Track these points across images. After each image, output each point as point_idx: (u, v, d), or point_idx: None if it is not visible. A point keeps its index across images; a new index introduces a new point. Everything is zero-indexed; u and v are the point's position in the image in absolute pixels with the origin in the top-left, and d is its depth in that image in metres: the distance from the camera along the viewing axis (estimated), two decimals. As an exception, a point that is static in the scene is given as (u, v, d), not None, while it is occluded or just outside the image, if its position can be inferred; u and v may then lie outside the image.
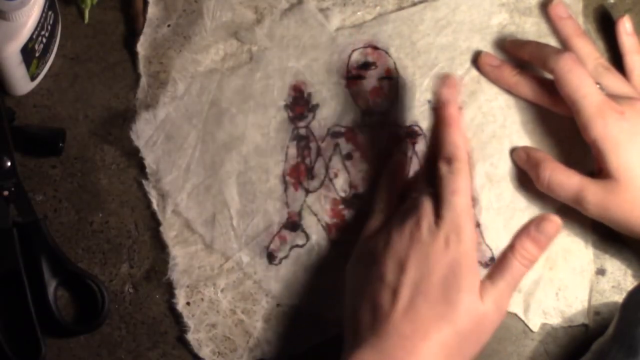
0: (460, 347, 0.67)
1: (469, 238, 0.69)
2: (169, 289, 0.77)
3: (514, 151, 0.80)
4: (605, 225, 0.77)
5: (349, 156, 0.80)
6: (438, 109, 0.73)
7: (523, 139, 0.81)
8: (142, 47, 0.82)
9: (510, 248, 0.70)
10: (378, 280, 0.69)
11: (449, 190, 0.70)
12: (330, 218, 0.79)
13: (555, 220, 0.70)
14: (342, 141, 0.80)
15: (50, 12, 0.77)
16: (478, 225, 0.79)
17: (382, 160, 0.80)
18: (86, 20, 0.82)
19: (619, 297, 0.78)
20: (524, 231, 0.70)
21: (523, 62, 0.81)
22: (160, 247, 0.78)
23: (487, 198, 0.80)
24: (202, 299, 0.77)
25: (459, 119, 0.73)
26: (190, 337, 0.77)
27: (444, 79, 0.74)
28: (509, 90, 0.81)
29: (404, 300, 0.67)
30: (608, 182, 0.74)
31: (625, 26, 0.82)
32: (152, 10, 0.82)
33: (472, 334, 0.68)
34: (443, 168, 0.71)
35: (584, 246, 0.80)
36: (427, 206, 0.70)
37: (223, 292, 0.77)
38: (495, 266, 0.70)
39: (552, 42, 0.82)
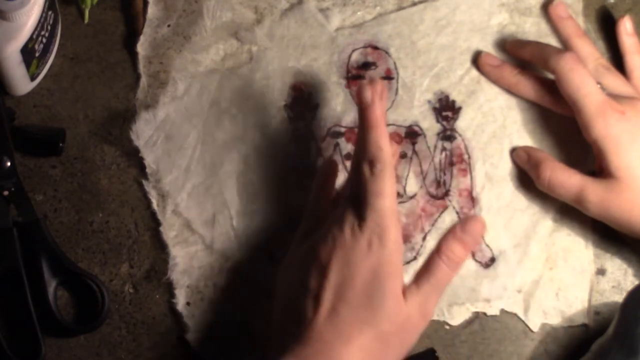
0: (383, 351, 0.66)
1: (393, 241, 0.67)
2: (169, 289, 0.77)
3: (514, 151, 0.80)
4: (606, 225, 0.77)
5: (348, 156, 0.80)
6: (361, 111, 0.71)
7: (523, 139, 0.81)
8: (142, 47, 0.82)
9: (437, 251, 0.69)
10: (301, 287, 0.68)
11: (372, 193, 0.68)
12: (330, 218, 0.79)
13: (480, 220, 0.70)
14: (342, 141, 0.80)
15: (50, 12, 0.77)
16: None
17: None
18: (86, 20, 0.82)
19: (619, 297, 0.78)
20: (449, 233, 0.69)
21: (523, 62, 0.81)
22: (160, 247, 0.78)
23: (487, 198, 0.80)
24: (202, 299, 0.77)
25: (383, 121, 0.70)
26: (190, 337, 0.77)
27: (369, 82, 0.72)
28: (509, 90, 0.81)
29: (325, 305, 0.66)
30: (609, 182, 0.74)
31: (625, 26, 0.82)
32: (152, 10, 0.82)
33: (395, 338, 0.67)
34: (366, 171, 0.69)
35: (584, 246, 0.80)
36: (350, 210, 0.69)
37: (223, 292, 0.77)
38: (422, 269, 0.69)
39: (553, 42, 0.82)
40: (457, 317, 0.78)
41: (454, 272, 0.69)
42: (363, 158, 0.69)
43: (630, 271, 0.80)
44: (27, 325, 0.74)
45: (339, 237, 0.68)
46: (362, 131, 0.70)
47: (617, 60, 0.82)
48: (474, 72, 0.82)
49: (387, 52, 0.82)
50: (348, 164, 0.80)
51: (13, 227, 0.76)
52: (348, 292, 0.66)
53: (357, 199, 0.68)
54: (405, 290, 0.67)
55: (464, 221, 0.70)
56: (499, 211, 0.79)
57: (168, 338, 0.77)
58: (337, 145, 0.80)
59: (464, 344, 0.78)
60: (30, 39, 0.75)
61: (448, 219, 0.79)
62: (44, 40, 0.78)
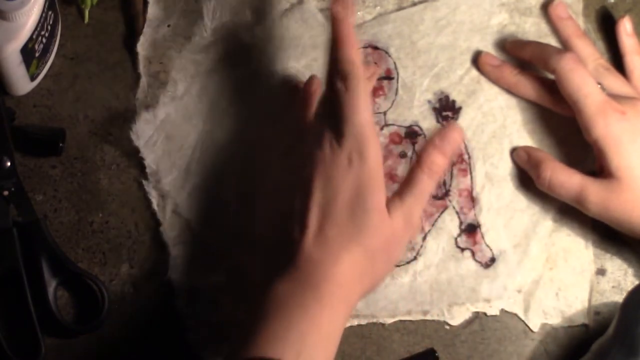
0: (371, 266, 0.67)
1: (373, 154, 0.67)
2: (169, 289, 0.77)
3: (514, 151, 0.80)
4: (606, 225, 0.77)
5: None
6: (334, 26, 0.70)
7: (523, 139, 0.81)
8: (142, 47, 0.82)
9: (418, 162, 0.69)
10: (286, 210, 0.68)
11: (348, 107, 0.67)
12: (330, 218, 0.79)
13: (458, 128, 0.70)
14: (342, 141, 0.80)
15: (50, 12, 0.77)
16: (478, 225, 0.79)
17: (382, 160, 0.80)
18: (86, 20, 0.82)
19: (619, 297, 0.78)
20: (429, 143, 0.69)
21: (523, 62, 0.81)
22: (160, 247, 0.78)
23: (487, 198, 0.80)
24: (202, 299, 0.77)
25: (353, 37, 0.69)
26: (190, 337, 0.76)
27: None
28: (509, 90, 0.81)
29: (312, 226, 0.66)
30: (609, 182, 0.74)
31: (625, 27, 0.82)
32: (152, 10, 0.82)
33: (383, 252, 0.67)
34: (340, 86, 0.68)
35: (584, 246, 0.80)
36: (327, 127, 0.68)
37: (223, 292, 0.77)
38: (404, 182, 0.69)
39: (553, 42, 0.82)
40: (457, 317, 0.78)
41: (435, 182, 0.69)
42: (336, 73, 0.69)
43: (630, 271, 0.80)
44: (27, 325, 0.74)
45: (319, 154, 0.68)
46: (334, 47, 0.70)
47: (617, 60, 0.82)
48: (474, 72, 0.82)
49: (387, 52, 0.82)
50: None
51: (13, 227, 0.76)
52: (333, 211, 0.66)
53: (334, 116, 0.68)
54: (388, 204, 0.67)
55: (442, 130, 0.70)
56: (499, 211, 0.79)
57: (168, 338, 0.77)
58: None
59: (464, 344, 0.78)
60: (30, 39, 0.75)
61: (448, 219, 0.79)
62: (44, 40, 0.78)
